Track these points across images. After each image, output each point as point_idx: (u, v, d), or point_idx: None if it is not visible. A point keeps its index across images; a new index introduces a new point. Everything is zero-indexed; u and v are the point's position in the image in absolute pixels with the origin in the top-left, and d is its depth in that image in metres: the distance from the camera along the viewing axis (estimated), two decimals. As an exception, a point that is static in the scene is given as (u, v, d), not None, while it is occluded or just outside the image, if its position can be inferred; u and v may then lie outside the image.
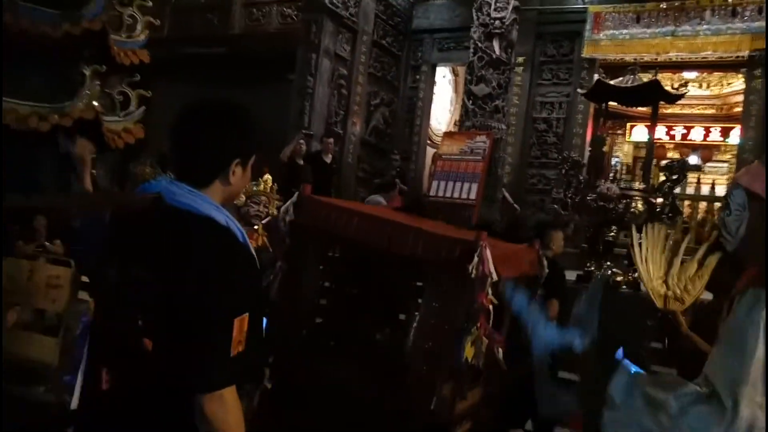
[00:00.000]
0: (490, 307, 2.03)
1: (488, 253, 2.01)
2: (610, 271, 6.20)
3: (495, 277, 2.01)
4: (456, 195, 8.57)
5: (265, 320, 2.53)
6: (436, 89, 12.35)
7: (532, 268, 2.70)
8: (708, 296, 2.53)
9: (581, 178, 6.56)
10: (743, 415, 1.39)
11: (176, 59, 11.23)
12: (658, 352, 5.63)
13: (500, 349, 2.14)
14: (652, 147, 7.61)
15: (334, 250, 2.53)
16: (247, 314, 1.32)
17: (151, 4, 7.85)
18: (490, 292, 2.02)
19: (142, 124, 6.82)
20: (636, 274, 6.24)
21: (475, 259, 1.98)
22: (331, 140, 8.76)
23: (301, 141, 8.67)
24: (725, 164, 14.40)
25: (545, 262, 2.78)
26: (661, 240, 2.31)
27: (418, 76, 12.04)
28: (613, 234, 6.37)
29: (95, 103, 5.80)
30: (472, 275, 1.98)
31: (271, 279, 2.46)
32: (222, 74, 10.86)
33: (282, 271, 2.39)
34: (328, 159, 8.55)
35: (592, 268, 6.33)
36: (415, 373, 2.10)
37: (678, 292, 2.25)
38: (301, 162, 8.52)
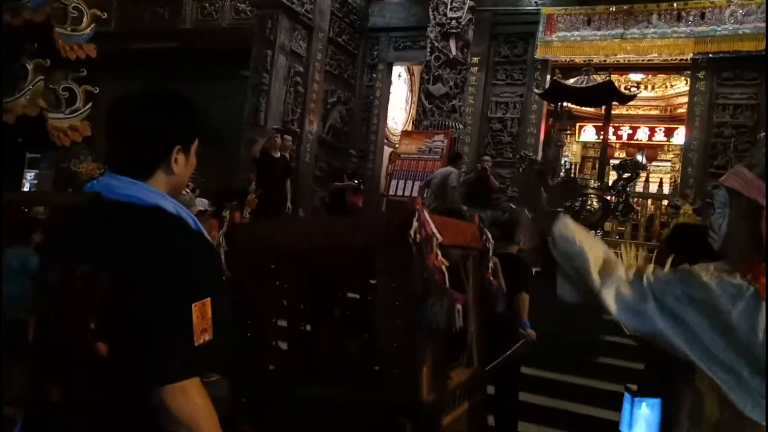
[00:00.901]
0: (443, 268, 2.00)
1: (426, 214, 2.00)
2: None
3: (439, 237, 1.99)
4: (414, 194, 8.60)
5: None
6: (392, 88, 12.36)
7: (474, 240, 2.69)
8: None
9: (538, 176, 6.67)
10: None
11: (125, 54, 10.88)
12: (612, 346, 5.78)
13: (461, 308, 2.11)
14: (606, 146, 7.83)
15: (280, 270, 2.44)
16: (208, 299, 1.25)
17: (97, -4, 7.56)
18: (438, 253, 1.99)
19: (90, 122, 6.57)
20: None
21: (415, 223, 1.96)
22: (278, 135, 8.59)
23: (276, 135, 8.53)
24: (669, 163, 14.96)
25: (489, 235, 2.79)
26: (632, 256, 2.38)
27: (374, 75, 12.02)
28: (569, 231, 6.48)
29: (39, 99, 5.54)
30: (417, 239, 1.96)
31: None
32: (173, 70, 10.56)
33: (228, 305, 2.29)
34: (277, 155, 8.39)
35: (550, 265, 6.44)
36: (388, 359, 2.06)
37: None
38: (277, 155, 8.39)
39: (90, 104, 6.68)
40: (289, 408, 2.22)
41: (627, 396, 1.76)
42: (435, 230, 1.98)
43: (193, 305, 1.22)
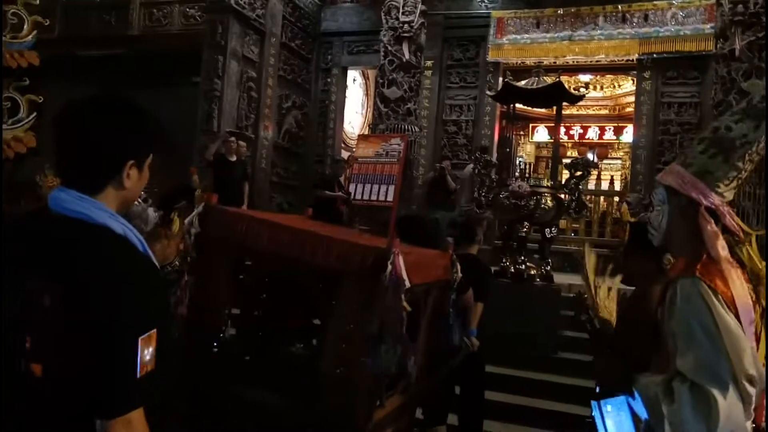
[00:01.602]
0: (404, 314, 2.01)
1: (401, 260, 2.01)
2: (524, 266, 6.43)
3: (408, 284, 2.00)
4: (374, 197, 8.62)
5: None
6: (347, 92, 12.35)
7: (444, 273, 2.71)
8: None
9: (493, 177, 6.76)
10: (740, 395, 1.47)
11: (71, 61, 10.55)
12: (571, 340, 5.90)
13: (413, 358, 2.12)
14: (558, 145, 7.98)
15: (245, 261, 2.40)
16: (153, 331, 1.21)
17: (38, 2, 7.31)
18: (402, 298, 2.00)
19: (35, 132, 6.33)
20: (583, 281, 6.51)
21: (389, 266, 1.97)
22: (233, 139, 8.51)
23: (231, 139, 8.42)
24: (619, 161, 15.42)
25: (459, 267, 2.81)
26: (593, 261, 2.45)
27: (329, 79, 11.98)
28: (525, 230, 6.60)
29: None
30: (385, 283, 1.96)
31: (177, 294, 2.33)
32: (122, 77, 10.29)
33: (189, 286, 2.25)
34: (233, 158, 8.32)
35: (507, 263, 6.54)
36: (330, 384, 2.05)
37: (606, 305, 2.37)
38: (233, 159, 8.29)
39: (34, 114, 6.44)
40: (224, 403, 2.18)
41: (594, 405, 1.79)
42: (405, 277, 1.98)
43: (139, 339, 1.18)
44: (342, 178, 9.28)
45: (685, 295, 1.56)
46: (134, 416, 1.19)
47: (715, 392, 1.45)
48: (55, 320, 1.15)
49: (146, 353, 1.20)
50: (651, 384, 1.59)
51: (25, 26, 6.81)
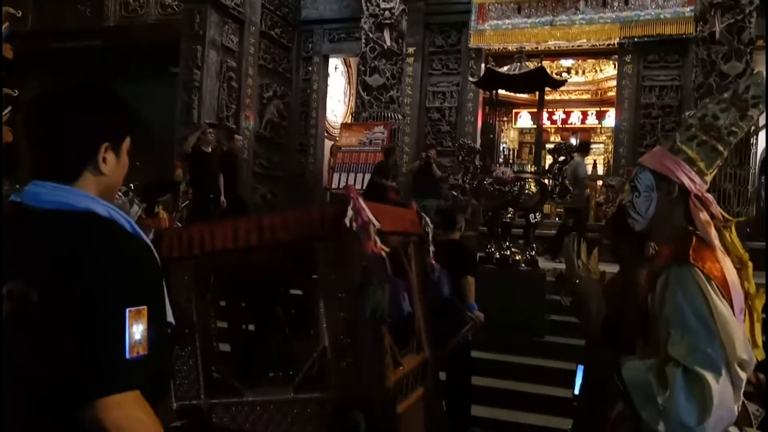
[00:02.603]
0: (383, 254, 1.98)
1: (362, 202, 1.98)
2: (509, 251, 6.45)
3: (377, 224, 1.97)
4: (358, 186, 8.57)
5: None
6: (329, 81, 12.25)
7: (414, 226, 2.70)
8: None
9: (477, 163, 6.75)
10: (732, 380, 1.48)
11: (46, 54, 10.35)
12: (556, 324, 5.95)
13: (406, 295, 2.09)
14: (540, 131, 7.97)
15: (215, 274, 2.35)
16: (144, 307, 1.16)
17: (10, -8, 7.12)
18: (377, 240, 1.97)
19: (10, 127, 6.21)
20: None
21: (350, 211, 1.94)
22: (211, 130, 8.38)
23: (209, 130, 8.29)
24: (602, 145, 15.50)
25: (428, 220, 2.81)
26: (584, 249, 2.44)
27: (310, 68, 11.87)
28: (510, 215, 6.61)
29: (-49, 103, 5.19)
30: (353, 227, 1.93)
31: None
32: (99, 69, 10.12)
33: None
34: (208, 149, 8.19)
35: (492, 249, 6.55)
36: (334, 354, 2.03)
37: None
38: (209, 150, 8.17)
39: (9, 108, 6.31)
40: (236, 412, 2.15)
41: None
42: (372, 217, 1.95)
43: (127, 310, 1.13)
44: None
45: (679, 281, 1.55)
46: (127, 397, 1.11)
47: (709, 377, 1.45)
48: (49, 315, 1.12)
49: (136, 330, 1.14)
50: (639, 369, 1.59)
51: (-3, 18, 6.65)
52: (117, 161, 1.31)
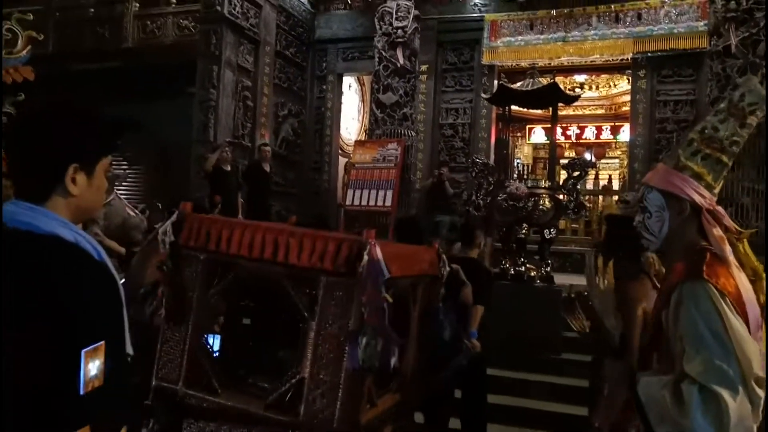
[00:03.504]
0: (385, 305, 1.97)
1: (378, 250, 1.96)
2: (524, 267, 6.41)
3: (387, 274, 1.96)
4: (372, 203, 8.62)
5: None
6: (343, 99, 12.36)
7: (431, 268, 2.67)
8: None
9: (491, 179, 6.75)
10: (750, 398, 1.46)
11: (66, 76, 10.57)
12: (572, 341, 5.88)
13: (396, 352, 2.07)
14: (554, 146, 7.97)
15: (225, 269, 2.35)
16: (101, 343, 1.13)
17: (32, 17, 7.32)
18: (383, 290, 1.97)
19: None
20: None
21: (365, 257, 1.93)
22: (228, 148, 8.53)
23: (227, 149, 8.45)
24: (617, 160, 15.41)
25: (446, 261, 2.78)
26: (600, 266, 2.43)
27: (324, 86, 11.99)
28: (524, 231, 6.59)
29: (-26, 125, 5.32)
30: (363, 274, 1.92)
31: (153, 306, 2.28)
32: (118, 90, 10.32)
33: (166, 297, 2.18)
34: (228, 168, 8.35)
35: (507, 265, 6.52)
36: (314, 384, 2.01)
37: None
38: (228, 168, 8.31)
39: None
40: (207, 408, 2.14)
41: None
42: (384, 268, 1.94)
43: (83, 352, 1.10)
44: None
45: (694, 298, 1.54)
46: None
47: (726, 395, 1.43)
48: (6, 346, 1.07)
49: (92, 368, 1.11)
50: (654, 385, 1.57)
51: (19, 41, 6.84)
52: (88, 182, 1.27)
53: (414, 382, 2.55)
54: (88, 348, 1.11)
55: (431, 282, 2.69)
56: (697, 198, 1.65)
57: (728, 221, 1.66)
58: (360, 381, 2.02)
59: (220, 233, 2.16)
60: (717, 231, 1.62)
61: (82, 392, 1.10)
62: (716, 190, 1.68)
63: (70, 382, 1.09)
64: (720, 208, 1.67)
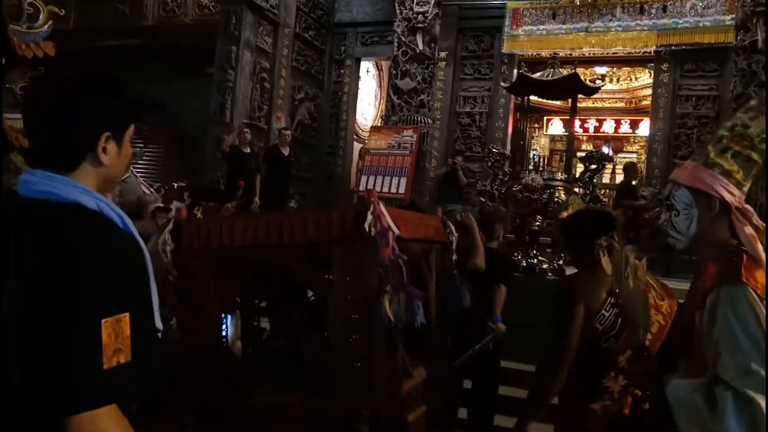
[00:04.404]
0: (401, 262, 1.96)
1: (382, 208, 1.95)
2: (536, 260, 6.37)
3: (396, 230, 1.95)
4: (386, 189, 8.60)
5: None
6: (360, 84, 12.31)
7: (438, 234, 2.66)
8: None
9: (506, 170, 6.70)
10: None
11: (86, 52, 10.60)
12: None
13: (420, 305, 2.06)
14: (572, 138, 7.88)
15: (233, 268, 2.33)
16: (125, 314, 1.09)
17: (54, -8, 7.32)
18: (396, 247, 1.94)
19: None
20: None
21: (369, 216, 1.91)
22: (248, 130, 8.54)
23: (246, 130, 8.46)
24: (635, 155, 15.23)
25: (453, 228, 2.77)
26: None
27: (342, 71, 11.94)
28: (538, 223, 6.55)
29: (-6, 99, 5.36)
30: (371, 233, 1.90)
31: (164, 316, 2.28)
32: (136, 67, 10.34)
33: (176, 306, 2.14)
34: (247, 150, 8.36)
35: (519, 257, 6.49)
36: (343, 360, 1.99)
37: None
38: (247, 150, 8.33)
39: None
40: (239, 417, 2.14)
41: None
42: (391, 223, 1.93)
43: (102, 322, 1.06)
44: None
45: (731, 301, 1.50)
46: (100, 413, 1.05)
47: (761, 401, 1.40)
48: (24, 313, 1.06)
49: (114, 341, 1.07)
50: (685, 388, 1.55)
51: (41, 16, 6.84)
52: (118, 151, 1.26)
53: (443, 352, 2.54)
54: (108, 318, 1.07)
55: (442, 249, 2.69)
56: (726, 195, 1.61)
57: (757, 220, 1.62)
58: (392, 342, 2.00)
59: (221, 230, 2.14)
60: (749, 229, 1.58)
61: (105, 366, 1.06)
62: (746, 188, 1.64)
63: (93, 355, 1.05)
64: (749, 207, 1.63)
